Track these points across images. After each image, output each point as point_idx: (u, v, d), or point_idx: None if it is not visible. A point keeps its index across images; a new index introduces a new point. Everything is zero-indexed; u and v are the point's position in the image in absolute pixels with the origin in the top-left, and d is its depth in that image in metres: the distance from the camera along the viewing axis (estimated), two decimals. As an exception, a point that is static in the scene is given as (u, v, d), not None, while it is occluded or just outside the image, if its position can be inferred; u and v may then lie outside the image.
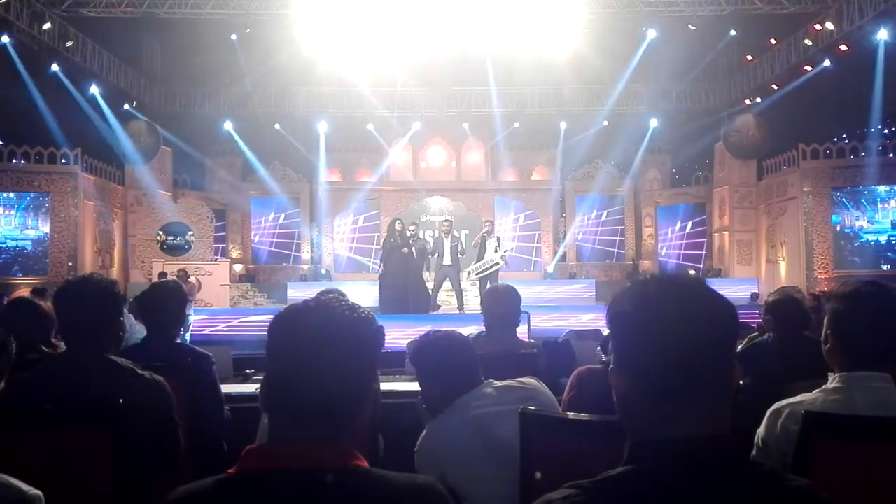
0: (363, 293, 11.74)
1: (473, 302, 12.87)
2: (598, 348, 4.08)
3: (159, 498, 1.28)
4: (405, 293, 11.49)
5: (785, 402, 2.00)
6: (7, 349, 1.72)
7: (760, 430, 2.03)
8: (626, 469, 1.10)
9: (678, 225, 19.91)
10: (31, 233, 15.72)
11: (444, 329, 2.52)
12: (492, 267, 12.43)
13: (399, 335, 5.67)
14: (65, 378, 2.20)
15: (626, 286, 1.20)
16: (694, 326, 1.10)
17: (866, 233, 15.80)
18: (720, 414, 1.11)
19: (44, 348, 3.33)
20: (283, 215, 20.31)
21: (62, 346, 2.55)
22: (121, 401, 1.98)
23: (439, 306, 12.65)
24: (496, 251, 12.53)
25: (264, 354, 1.29)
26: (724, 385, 1.12)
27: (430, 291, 12.33)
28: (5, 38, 13.13)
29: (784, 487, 1.10)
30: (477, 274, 12.61)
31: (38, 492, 1.49)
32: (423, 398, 2.41)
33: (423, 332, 2.50)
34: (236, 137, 18.77)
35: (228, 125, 18.64)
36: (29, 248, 15.69)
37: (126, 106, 16.85)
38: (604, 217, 20.40)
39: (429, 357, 2.37)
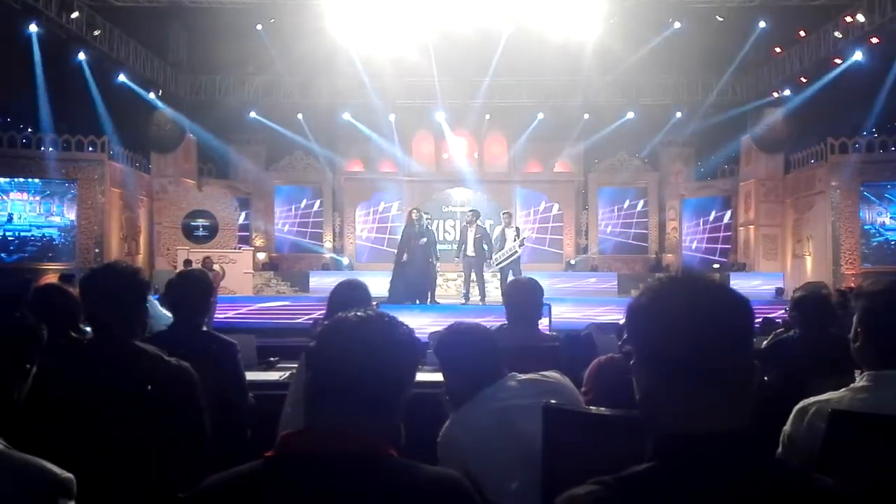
0: (384, 283, 11.78)
1: (494, 293, 12.89)
2: (619, 341, 4.05)
3: (186, 484, 1.31)
4: (421, 283, 11.59)
5: (812, 399, 1.98)
6: (38, 335, 1.75)
7: (787, 428, 2.01)
8: (650, 466, 1.10)
9: (703, 218, 19.71)
10: (56, 220, 15.95)
11: (469, 321, 2.53)
12: (510, 256, 12.47)
13: (421, 325, 5.68)
14: (92, 364, 2.24)
15: (647, 283, 1.22)
16: (711, 320, 1.11)
17: (888, 229, 15.54)
18: (741, 408, 1.11)
19: (72, 334, 3.38)
20: (307, 204, 20.42)
21: (90, 331, 2.59)
22: (149, 387, 2.00)
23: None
24: (515, 240, 12.58)
25: (310, 345, 1.41)
26: (746, 379, 1.13)
27: (464, 282, 12.55)
28: (34, 27, 13.27)
29: (809, 488, 1.09)
30: (497, 264, 12.64)
31: (70, 475, 1.51)
32: (446, 390, 2.42)
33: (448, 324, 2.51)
34: (267, 122, 18.83)
35: (254, 114, 18.75)
36: (55, 236, 15.92)
37: (152, 94, 16.99)
38: (627, 210, 20.27)
39: (452, 349, 2.38)
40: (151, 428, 2.00)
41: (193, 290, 3.35)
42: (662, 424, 1.13)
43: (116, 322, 2.30)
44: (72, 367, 2.20)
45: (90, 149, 15.99)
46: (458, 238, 12.52)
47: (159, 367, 2.28)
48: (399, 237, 13.09)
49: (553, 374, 2.42)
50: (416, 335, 1.44)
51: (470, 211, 13.17)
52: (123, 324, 2.32)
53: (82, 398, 2.05)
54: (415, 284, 11.57)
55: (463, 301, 12.66)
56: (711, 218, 19.53)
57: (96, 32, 14.92)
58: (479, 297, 12.61)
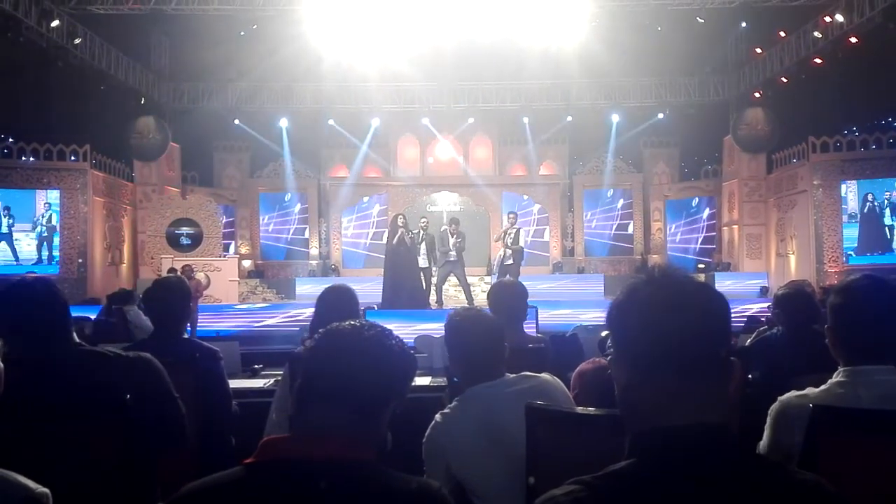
0: (370, 289, 11.74)
1: (482, 297, 12.85)
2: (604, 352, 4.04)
3: (166, 490, 1.29)
4: (406, 288, 11.53)
5: (791, 395, 1.99)
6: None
7: (768, 423, 2.02)
8: (628, 463, 1.10)
9: (687, 219, 19.83)
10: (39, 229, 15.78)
11: (482, 311, 2.53)
12: (508, 258, 12.49)
13: (407, 330, 5.67)
14: (48, 371, 2.20)
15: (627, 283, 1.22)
16: (685, 314, 1.12)
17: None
18: (717, 403, 1.12)
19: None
20: (292, 211, 20.36)
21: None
22: (128, 396, 1.97)
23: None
24: (515, 243, 12.63)
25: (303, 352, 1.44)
26: (721, 374, 1.13)
27: (433, 287, 12.39)
28: (14, 36, 13.12)
29: (789, 481, 1.09)
30: (498, 266, 12.67)
31: (45, 489, 1.46)
32: (450, 373, 2.43)
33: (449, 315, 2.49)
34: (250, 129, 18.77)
35: (237, 121, 18.69)
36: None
37: (134, 102, 16.86)
38: (612, 211, 20.36)
39: (462, 336, 2.37)
40: (127, 426, 1.95)
41: (168, 297, 3.33)
42: (640, 420, 1.13)
43: (48, 329, 2.27)
44: (26, 376, 2.16)
45: (72, 158, 15.86)
46: (440, 244, 12.36)
47: (115, 362, 2.26)
48: (384, 242, 13.02)
49: (542, 375, 2.41)
50: (408, 347, 1.44)
51: (450, 219, 13.12)
52: (55, 330, 2.28)
53: (52, 407, 2.02)
54: (404, 289, 11.50)
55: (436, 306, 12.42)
56: (692, 219, 19.67)
57: (77, 41, 14.78)
58: (467, 301, 12.55)
